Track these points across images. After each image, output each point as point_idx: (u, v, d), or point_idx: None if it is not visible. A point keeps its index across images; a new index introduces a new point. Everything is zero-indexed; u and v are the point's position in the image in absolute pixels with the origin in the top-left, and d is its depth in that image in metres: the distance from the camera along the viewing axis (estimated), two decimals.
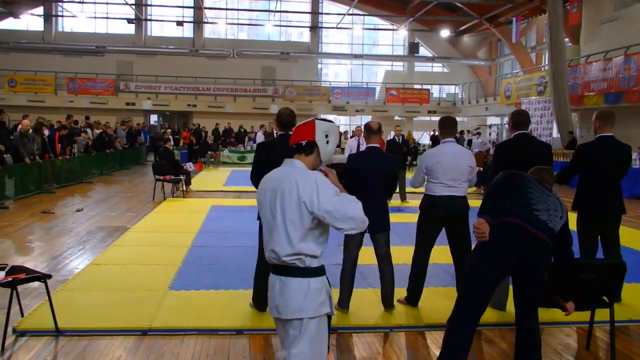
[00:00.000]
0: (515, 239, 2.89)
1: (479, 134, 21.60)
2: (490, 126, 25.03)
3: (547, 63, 18.13)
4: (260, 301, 4.17)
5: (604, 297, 3.36)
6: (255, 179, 4.14)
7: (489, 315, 4.18)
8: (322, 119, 2.31)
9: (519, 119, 4.23)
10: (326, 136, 2.24)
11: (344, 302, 4.20)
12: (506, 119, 23.44)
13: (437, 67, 29.36)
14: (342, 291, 4.23)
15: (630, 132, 12.89)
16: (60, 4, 25.53)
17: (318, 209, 2.09)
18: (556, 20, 16.26)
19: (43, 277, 3.69)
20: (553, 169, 4.34)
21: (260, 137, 16.43)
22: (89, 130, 15.37)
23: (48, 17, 25.88)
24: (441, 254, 4.68)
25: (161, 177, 10.40)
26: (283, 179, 2.18)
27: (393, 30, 27.71)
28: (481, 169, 13.32)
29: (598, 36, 17.01)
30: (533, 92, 18.91)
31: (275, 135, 10.63)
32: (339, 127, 2.99)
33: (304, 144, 2.24)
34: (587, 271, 3.31)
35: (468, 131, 22.41)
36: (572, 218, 4.78)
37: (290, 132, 3.94)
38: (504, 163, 3.95)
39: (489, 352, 3.63)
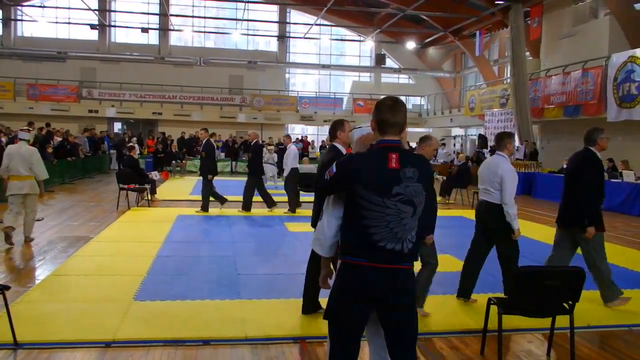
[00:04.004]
0: None
1: (443, 144, 22.04)
2: (454, 137, 25.60)
3: (509, 76, 18.60)
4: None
5: (565, 304, 3.43)
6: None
7: (454, 322, 4.26)
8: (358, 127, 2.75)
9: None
10: None
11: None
12: (470, 130, 23.99)
13: (404, 79, 29.86)
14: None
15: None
16: (19, 8, 24.70)
17: None
18: (518, 35, 16.84)
19: (0, 289, 3.55)
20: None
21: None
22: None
23: (6, 21, 24.86)
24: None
25: (125, 186, 10.17)
26: None
27: (360, 41, 28.07)
28: (445, 178, 13.60)
29: (557, 50, 17.60)
30: (496, 105, 19.43)
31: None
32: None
33: None
34: (550, 278, 3.34)
35: None
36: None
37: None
38: None
39: (453, 359, 3.67)
